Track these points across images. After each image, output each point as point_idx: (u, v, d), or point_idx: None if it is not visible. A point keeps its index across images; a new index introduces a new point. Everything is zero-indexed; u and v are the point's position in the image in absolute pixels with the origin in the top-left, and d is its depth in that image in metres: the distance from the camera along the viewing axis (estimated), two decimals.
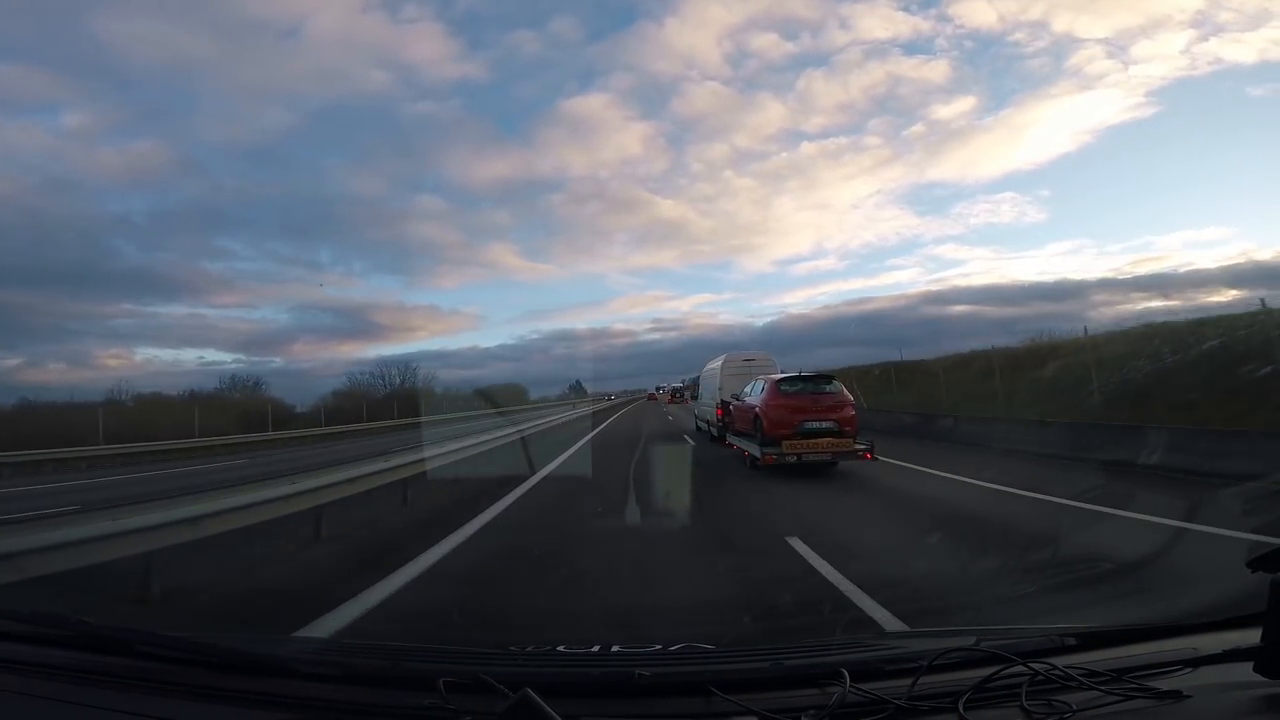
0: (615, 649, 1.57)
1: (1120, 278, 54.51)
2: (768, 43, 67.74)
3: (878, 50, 62.93)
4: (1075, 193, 72.03)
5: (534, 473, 10.06)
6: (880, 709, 1.06)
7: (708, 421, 16.53)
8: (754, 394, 10.61)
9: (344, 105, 70.60)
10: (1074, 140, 62.16)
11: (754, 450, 9.47)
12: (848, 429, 9.07)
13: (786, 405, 9.23)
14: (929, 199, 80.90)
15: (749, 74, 71.91)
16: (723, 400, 14.17)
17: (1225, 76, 49.22)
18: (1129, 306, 40.30)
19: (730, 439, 12.06)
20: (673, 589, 4.24)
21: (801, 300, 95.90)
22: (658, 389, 72.86)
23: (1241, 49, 45.28)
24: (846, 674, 1.12)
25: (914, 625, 3.28)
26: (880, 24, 61.44)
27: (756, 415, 9.74)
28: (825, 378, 10.15)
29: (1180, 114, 56.03)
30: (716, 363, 16.45)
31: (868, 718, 1.05)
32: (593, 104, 78.36)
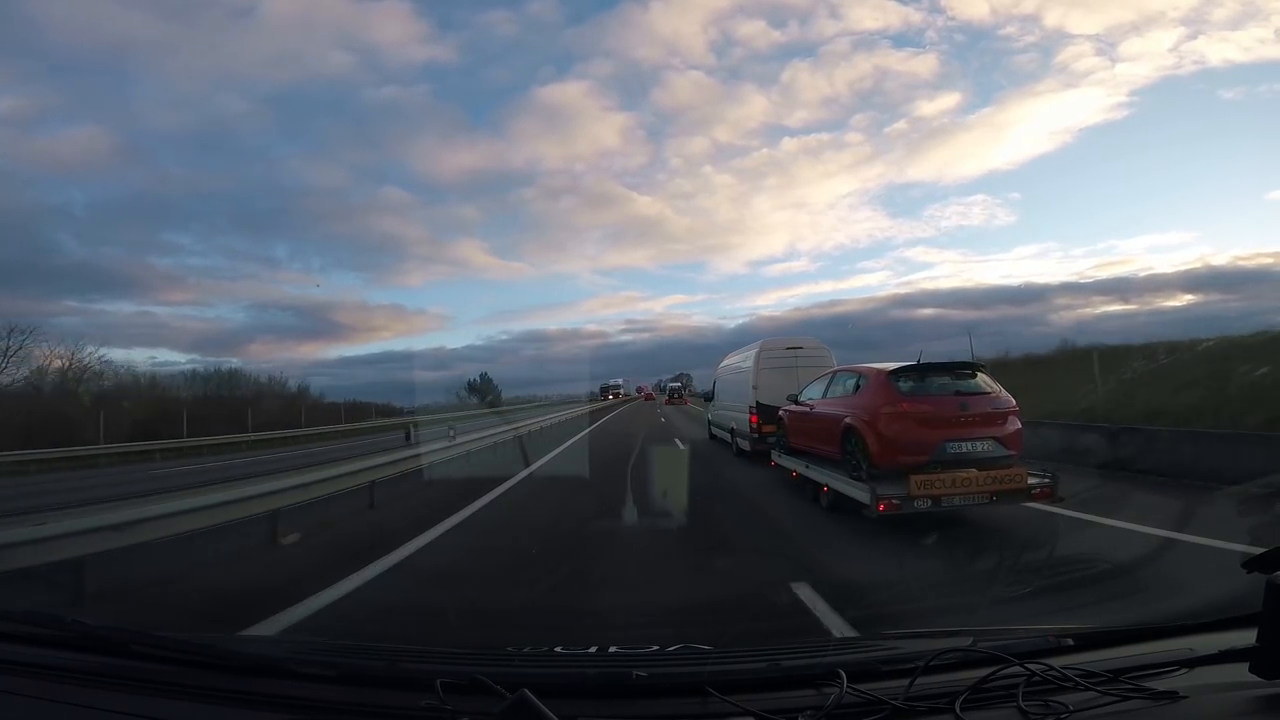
0: (612, 650, 1.58)
1: (1083, 281, 55.20)
2: (755, 30, 67.07)
3: (866, 41, 62.71)
4: (1045, 195, 73.03)
5: None
6: (877, 710, 1.06)
7: (731, 430, 12.74)
8: (835, 395, 6.96)
9: (302, 90, 66.89)
10: (1051, 140, 62.68)
11: (850, 489, 5.87)
12: (1013, 451, 5.69)
13: (915, 414, 5.64)
14: (903, 200, 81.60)
15: (734, 63, 71.19)
16: (758, 403, 10.68)
17: (1201, 78, 49.82)
18: (1089, 310, 40.87)
19: (781, 459, 8.36)
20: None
21: (773, 302, 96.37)
22: (603, 389, 61.54)
23: (1226, 48, 45.57)
24: (843, 675, 1.12)
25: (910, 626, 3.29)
26: (871, 13, 61.24)
27: (850, 430, 6.09)
28: (966, 367, 6.30)
29: (1155, 116, 56.73)
30: (745, 354, 12.27)
31: (865, 718, 1.06)
32: (570, 92, 76.59)
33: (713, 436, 15.28)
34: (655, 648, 1.55)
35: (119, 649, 1.33)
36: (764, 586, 4.30)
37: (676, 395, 52.57)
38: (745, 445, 11.37)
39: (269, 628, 3.47)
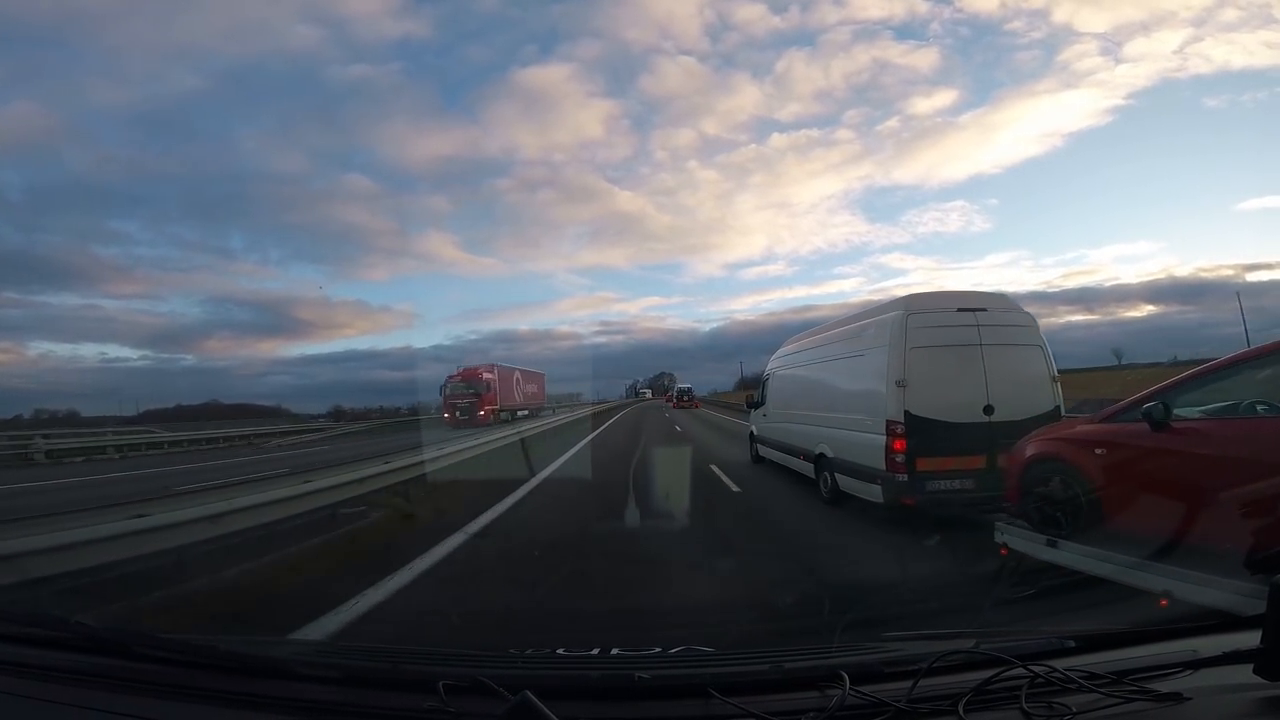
0: (615, 651, 1.57)
1: (1050, 290, 54.85)
2: (753, 14, 65.62)
3: (868, 31, 61.86)
4: (1023, 202, 73.22)
5: None
6: (880, 712, 1.06)
7: (819, 460, 7.41)
8: None
9: (262, 66, 62.90)
10: (1039, 144, 62.65)
11: None
12: None
13: None
14: (883, 204, 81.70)
15: (728, 50, 69.68)
16: (908, 414, 5.62)
17: (1194, 84, 49.81)
18: (1054, 319, 40.38)
19: (1084, 561, 3.41)
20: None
21: (748, 306, 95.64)
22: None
23: (1231, 50, 45.53)
24: (846, 676, 1.12)
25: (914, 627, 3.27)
26: (877, 1, 60.28)
27: None
28: None
29: (1141, 122, 56.88)
30: (863, 325, 6.80)
31: None
32: (552, 75, 73.86)
33: (759, 459, 10.57)
34: (658, 649, 1.55)
35: (121, 650, 1.34)
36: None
37: (686, 397, 51.43)
38: (872, 494, 6.04)
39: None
